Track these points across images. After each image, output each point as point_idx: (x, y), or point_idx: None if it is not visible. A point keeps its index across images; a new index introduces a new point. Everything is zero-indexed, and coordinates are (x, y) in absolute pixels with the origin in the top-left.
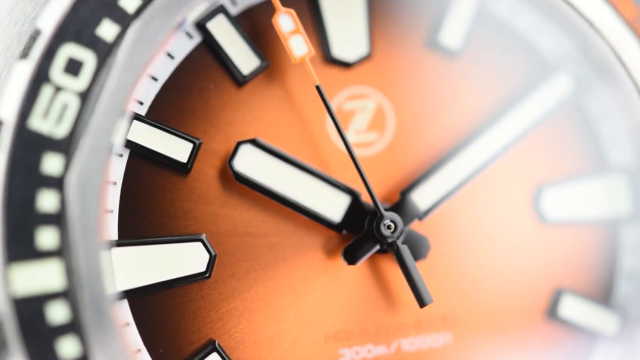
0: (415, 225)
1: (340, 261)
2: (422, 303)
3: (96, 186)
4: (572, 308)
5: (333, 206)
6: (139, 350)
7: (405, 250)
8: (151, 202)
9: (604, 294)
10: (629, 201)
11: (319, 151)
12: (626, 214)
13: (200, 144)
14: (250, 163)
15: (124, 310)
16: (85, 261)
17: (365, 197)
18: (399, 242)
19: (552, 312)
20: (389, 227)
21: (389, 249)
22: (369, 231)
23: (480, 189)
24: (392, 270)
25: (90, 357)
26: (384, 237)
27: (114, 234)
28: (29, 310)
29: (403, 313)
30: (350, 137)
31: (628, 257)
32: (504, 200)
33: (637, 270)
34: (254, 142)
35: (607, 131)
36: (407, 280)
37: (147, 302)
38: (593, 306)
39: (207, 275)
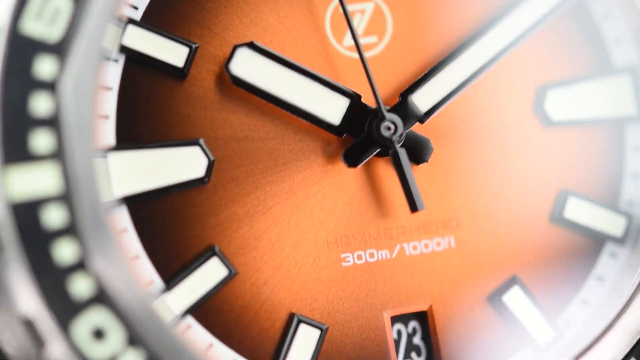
0: (418, 128)
1: (341, 165)
2: (413, 208)
3: (90, 89)
4: (577, 210)
5: (332, 109)
6: (138, 257)
7: (402, 154)
8: (148, 107)
9: (609, 196)
10: (633, 102)
11: (319, 54)
12: (631, 115)
13: (196, 48)
14: (248, 66)
15: (123, 217)
16: (81, 164)
17: (364, 100)
18: (397, 144)
19: (557, 214)
20: (388, 128)
21: (388, 151)
22: (369, 133)
23: (482, 91)
24: (393, 175)
25: (87, 261)
26: (384, 139)
27: (111, 140)
28: (25, 214)
29: (405, 217)
30: (349, 41)
31: (633, 158)
32: (507, 102)
33: None
34: (251, 45)
35: (611, 32)
36: (401, 184)
37: (145, 208)
38: (599, 208)
39: (206, 180)
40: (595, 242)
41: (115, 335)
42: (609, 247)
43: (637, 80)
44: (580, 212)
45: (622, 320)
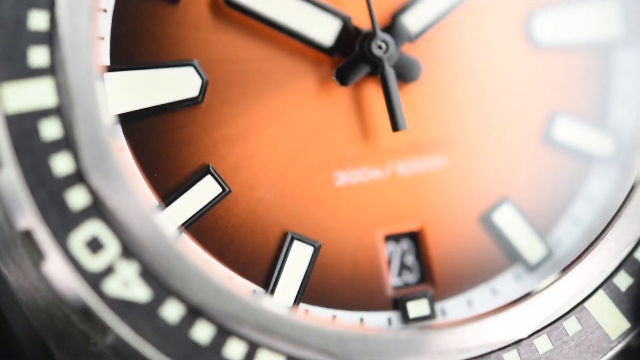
0: (408, 49)
1: (334, 86)
2: (395, 127)
3: (87, 4)
4: (566, 131)
5: (324, 30)
6: (134, 175)
7: (390, 73)
8: (142, 29)
9: (598, 118)
10: (622, 25)
11: None
12: (620, 38)
13: None
14: None
15: (118, 136)
16: (77, 79)
17: (355, 22)
18: (387, 63)
19: (546, 135)
20: (380, 47)
21: (378, 70)
22: (360, 52)
23: (473, 14)
24: (379, 95)
25: (84, 174)
26: (376, 57)
27: (105, 60)
28: (22, 126)
29: (398, 138)
30: None
31: (622, 81)
32: (497, 25)
33: (631, 94)
34: None
35: None
36: (386, 102)
37: (140, 127)
38: (587, 129)
39: (200, 100)
40: (584, 162)
41: (111, 247)
42: (598, 166)
43: (626, 3)
44: (569, 133)
45: (611, 233)
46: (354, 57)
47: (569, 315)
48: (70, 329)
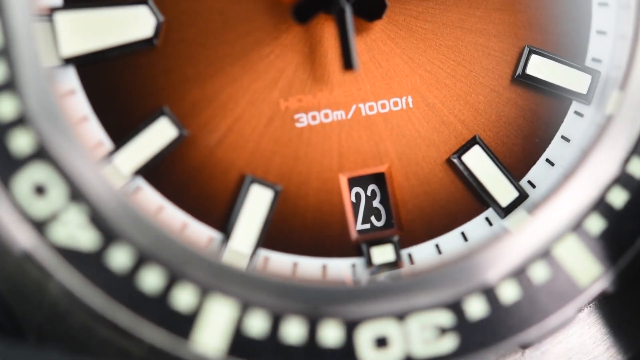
0: None
1: (294, 25)
2: (347, 66)
3: None
4: (540, 67)
5: None
6: (87, 118)
7: (347, 11)
8: None
9: (575, 53)
10: None
11: None
12: None
13: None
14: None
15: (71, 78)
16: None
17: None
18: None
19: (520, 72)
20: None
21: (335, 8)
22: None
23: None
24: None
25: (28, 118)
26: None
27: (57, 1)
28: None
29: (361, 77)
30: None
31: (599, 14)
32: None
33: (609, 28)
34: None
35: None
36: (340, 41)
37: (94, 69)
38: (562, 65)
39: (155, 40)
40: (560, 101)
41: (57, 191)
42: (574, 106)
43: None
44: (544, 69)
45: (585, 171)
46: None
47: (538, 260)
48: (24, 279)
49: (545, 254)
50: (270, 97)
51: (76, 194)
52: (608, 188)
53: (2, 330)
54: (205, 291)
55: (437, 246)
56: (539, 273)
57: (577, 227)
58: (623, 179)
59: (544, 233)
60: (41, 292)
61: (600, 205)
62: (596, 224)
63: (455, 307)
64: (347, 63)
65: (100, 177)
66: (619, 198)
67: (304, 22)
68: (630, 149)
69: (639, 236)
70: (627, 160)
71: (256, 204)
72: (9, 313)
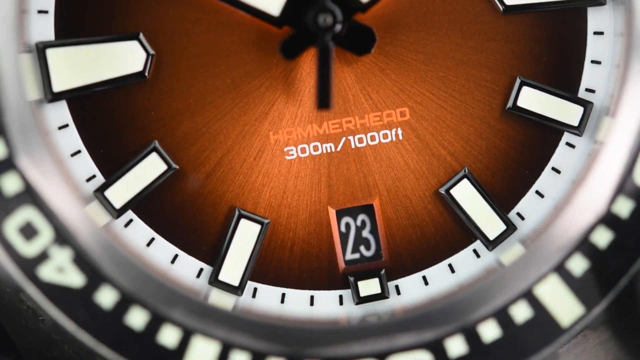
0: (364, 17)
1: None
2: (319, 105)
3: None
4: (532, 98)
5: (272, 0)
6: (80, 151)
7: (327, 48)
8: (87, 1)
9: (567, 84)
10: None
11: None
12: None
13: None
14: None
15: (64, 112)
16: (4, 63)
17: None
18: (328, 36)
19: (511, 103)
20: (325, 18)
21: (318, 44)
22: (307, 24)
23: None
24: (335, 67)
25: (14, 160)
26: (321, 29)
27: (50, 35)
28: None
29: (351, 109)
30: None
31: (593, 44)
32: None
33: (604, 57)
34: None
35: None
36: (317, 77)
37: (86, 103)
38: (554, 96)
39: (145, 74)
40: (551, 132)
41: (45, 233)
42: (565, 137)
43: None
44: (535, 100)
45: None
46: (300, 30)
47: (520, 300)
48: (20, 306)
49: (526, 294)
50: (260, 130)
51: (62, 236)
52: (592, 228)
53: (1, 352)
54: (188, 332)
55: (424, 278)
56: (520, 313)
57: (559, 267)
58: (608, 219)
59: (526, 273)
60: (36, 322)
61: (584, 245)
62: (579, 264)
63: (436, 347)
64: (322, 102)
65: (86, 218)
66: (603, 238)
67: (292, 59)
68: (616, 186)
69: (623, 277)
70: (612, 200)
71: (244, 238)
72: (7, 337)
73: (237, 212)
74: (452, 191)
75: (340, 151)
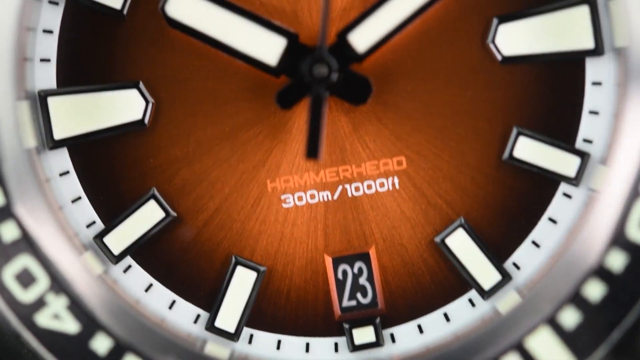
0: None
1: None
2: (308, 154)
3: (9, 32)
4: (528, 149)
5: (269, 49)
6: (80, 198)
7: (323, 98)
8: (88, 50)
9: (564, 134)
10: (590, 35)
11: None
12: (588, 49)
13: None
14: (184, 8)
15: (64, 159)
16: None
17: (304, 39)
18: (320, 87)
19: (507, 154)
20: (321, 69)
21: (311, 94)
22: (302, 74)
23: (431, 25)
24: (335, 115)
25: (12, 207)
26: (315, 80)
27: (52, 83)
28: None
29: (348, 158)
30: None
31: (591, 94)
32: (457, 36)
33: (602, 108)
34: None
35: None
36: (308, 127)
37: (86, 150)
38: (550, 147)
39: (144, 122)
40: (548, 182)
41: (41, 280)
42: (562, 187)
43: (594, 12)
44: (532, 151)
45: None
46: (296, 79)
47: (511, 353)
48: (20, 349)
49: (518, 346)
50: (257, 178)
51: (58, 283)
52: (585, 280)
53: None
54: None
55: (419, 327)
56: None
57: (551, 319)
58: (601, 272)
59: (520, 323)
60: None
61: (577, 298)
62: (572, 317)
63: None
64: (311, 152)
65: (82, 266)
66: (596, 291)
67: (288, 108)
68: (610, 238)
69: (615, 330)
70: (606, 252)
71: (240, 285)
72: None
73: (233, 260)
74: (447, 241)
75: (337, 199)
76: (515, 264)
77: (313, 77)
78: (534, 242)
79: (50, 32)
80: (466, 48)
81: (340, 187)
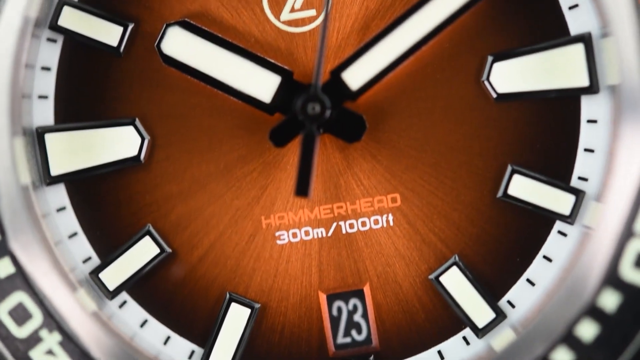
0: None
1: None
2: (299, 192)
3: (7, 69)
4: (522, 187)
5: (264, 87)
6: (76, 233)
7: (315, 137)
8: (86, 87)
9: (559, 172)
10: (585, 73)
11: (255, 29)
12: (583, 87)
13: (131, 27)
14: (179, 45)
15: (62, 195)
16: None
17: (299, 76)
18: (312, 125)
19: (502, 191)
20: (314, 107)
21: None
22: (295, 111)
23: (425, 62)
24: (329, 153)
25: (7, 243)
26: (308, 117)
27: (49, 120)
28: None
29: (342, 195)
30: (286, 15)
31: (586, 131)
32: (452, 73)
33: (597, 145)
34: (183, 24)
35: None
36: (299, 164)
37: (83, 186)
38: (544, 185)
39: (140, 158)
40: (542, 220)
41: (35, 316)
42: (557, 225)
43: (589, 50)
44: (526, 189)
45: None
46: (289, 117)
47: None
48: None
49: None
50: (252, 214)
51: (52, 320)
52: (578, 320)
53: None
54: None
55: None
56: None
57: (544, 358)
58: (594, 312)
59: None
60: None
61: (570, 339)
62: (564, 357)
63: None
64: (300, 189)
65: (76, 303)
66: (589, 331)
67: (281, 146)
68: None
69: None
70: (599, 292)
71: (234, 321)
72: None
73: (227, 296)
74: (441, 278)
75: (331, 236)
76: (510, 302)
77: (306, 115)
78: (528, 280)
79: (49, 69)
80: (461, 85)
81: (334, 224)
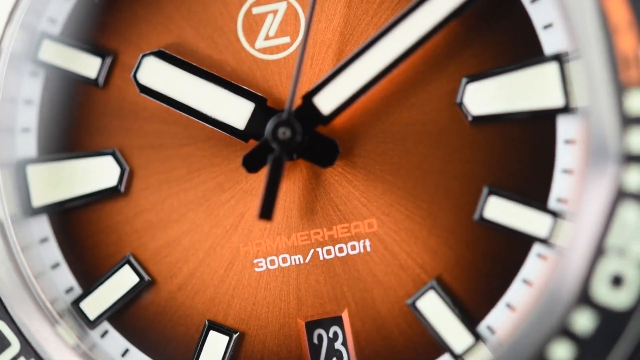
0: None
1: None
2: (262, 215)
3: None
4: (499, 209)
5: (238, 114)
6: (59, 264)
7: (283, 161)
8: (67, 119)
9: (537, 194)
10: (560, 92)
11: (231, 57)
12: (559, 107)
13: (109, 58)
14: (154, 75)
15: (44, 226)
16: None
17: (274, 103)
18: (281, 150)
19: (478, 214)
20: (285, 132)
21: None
22: (267, 137)
23: (399, 86)
24: (307, 179)
25: None
26: (279, 142)
27: (32, 152)
28: None
29: (319, 222)
30: (261, 43)
31: (563, 152)
32: (426, 96)
33: (575, 166)
34: (158, 53)
35: (537, 18)
36: (264, 188)
37: (64, 217)
38: (521, 207)
39: (120, 189)
40: (521, 243)
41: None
42: (536, 248)
43: (564, 69)
44: (503, 211)
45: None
46: (262, 143)
47: None
48: None
49: None
50: (230, 242)
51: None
52: (549, 340)
53: None
54: None
55: None
56: None
57: None
58: (566, 332)
59: None
60: None
61: None
62: None
63: None
64: (263, 213)
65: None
66: (563, 353)
67: (254, 172)
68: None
69: None
70: (572, 313)
71: (213, 349)
72: None
73: (206, 324)
74: (418, 304)
75: (308, 263)
76: (489, 328)
77: (277, 140)
78: (508, 305)
79: (31, 102)
80: (435, 109)
81: (312, 251)
